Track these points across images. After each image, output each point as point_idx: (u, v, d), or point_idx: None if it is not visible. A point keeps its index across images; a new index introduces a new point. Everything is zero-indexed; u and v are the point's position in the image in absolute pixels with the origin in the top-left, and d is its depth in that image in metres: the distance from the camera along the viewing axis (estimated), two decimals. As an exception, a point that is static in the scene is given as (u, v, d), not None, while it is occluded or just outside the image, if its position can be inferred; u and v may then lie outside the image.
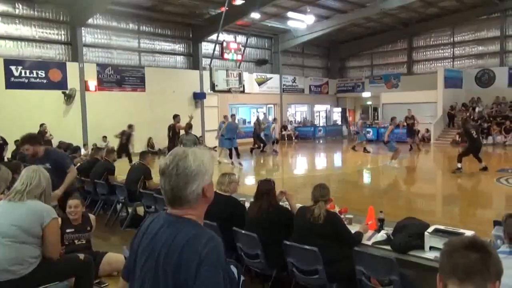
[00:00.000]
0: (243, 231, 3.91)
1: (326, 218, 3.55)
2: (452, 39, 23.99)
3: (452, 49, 24.09)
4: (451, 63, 23.98)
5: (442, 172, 13.60)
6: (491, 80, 21.96)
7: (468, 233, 3.26)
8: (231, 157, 13.30)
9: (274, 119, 20.04)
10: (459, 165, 11.21)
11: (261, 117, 21.16)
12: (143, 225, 1.71)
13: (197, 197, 1.58)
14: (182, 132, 11.53)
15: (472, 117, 20.29)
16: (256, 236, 3.74)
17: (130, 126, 13.29)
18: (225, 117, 14.87)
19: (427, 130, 20.92)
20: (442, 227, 3.42)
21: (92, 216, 4.67)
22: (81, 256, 3.53)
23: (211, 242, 1.50)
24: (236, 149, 13.59)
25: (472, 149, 11.32)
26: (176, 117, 12.30)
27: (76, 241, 4.30)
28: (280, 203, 4.38)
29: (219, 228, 3.69)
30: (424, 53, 25.37)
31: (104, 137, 15.93)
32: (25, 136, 4.97)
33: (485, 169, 11.14)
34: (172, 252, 1.50)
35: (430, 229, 3.38)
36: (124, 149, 12.68)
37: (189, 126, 10.78)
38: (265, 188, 4.10)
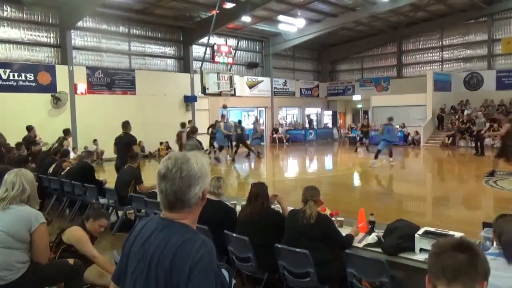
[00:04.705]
0: (234, 235, 3.90)
1: (318, 219, 3.56)
2: (440, 42, 24.26)
3: (441, 53, 24.36)
4: (440, 66, 24.25)
5: (431, 175, 13.73)
6: (479, 83, 22.23)
7: (458, 235, 3.29)
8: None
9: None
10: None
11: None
12: (135, 229, 1.70)
13: (198, 200, 1.59)
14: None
15: (461, 120, 20.54)
16: (247, 239, 3.74)
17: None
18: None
19: (417, 133, 21.10)
20: (432, 229, 3.44)
21: None
22: (71, 261, 3.48)
23: (204, 247, 1.51)
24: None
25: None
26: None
27: None
28: (272, 206, 4.37)
29: (210, 232, 3.68)
30: (414, 56, 25.62)
31: (95, 141, 15.79)
32: None
33: None
34: (165, 256, 1.50)
35: (420, 231, 3.40)
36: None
37: (192, 131, 10.28)
38: (258, 191, 4.10)
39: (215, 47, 21.65)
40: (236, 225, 4.10)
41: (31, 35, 15.88)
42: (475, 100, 21.54)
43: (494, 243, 2.73)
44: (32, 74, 15.28)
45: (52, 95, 15.61)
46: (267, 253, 3.65)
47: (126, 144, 8.32)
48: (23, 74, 15.04)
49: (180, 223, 1.57)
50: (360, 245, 3.70)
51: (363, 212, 4.14)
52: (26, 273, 3.04)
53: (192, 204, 1.58)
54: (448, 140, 19.81)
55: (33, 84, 15.30)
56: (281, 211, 4.33)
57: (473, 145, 17.89)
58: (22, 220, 3.03)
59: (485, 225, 3.38)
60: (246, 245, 3.77)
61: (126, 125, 8.79)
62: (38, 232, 3.05)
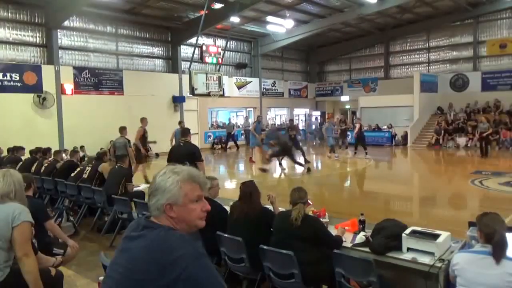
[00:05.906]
0: (226, 235, 3.88)
1: (306, 221, 3.55)
2: (427, 44, 24.54)
3: (427, 54, 24.65)
4: (427, 67, 24.53)
5: (418, 174, 13.87)
6: (465, 84, 22.55)
7: (444, 234, 3.33)
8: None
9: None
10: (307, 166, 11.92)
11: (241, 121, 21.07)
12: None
13: (159, 212, 1.63)
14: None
15: (447, 120, 20.84)
16: (241, 240, 3.72)
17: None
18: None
19: (406, 133, 21.25)
20: (419, 229, 3.46)
21: None
22: (53, 271, 3.42)
23: (180, 241, 1.55)
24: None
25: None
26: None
27: None
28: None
29: (199, 232, 3.66)
30: (401, 57, 25.87)
31: (82, 147, 15.18)
32: None
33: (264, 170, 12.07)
34: (136, 256, 1.53)
35: (408, 231, 3.42)
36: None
37: (120, 130, 10.22)
38: (251, 189, 4.08)
39: (204, 48, 21.61)
40: (228, 225, 4.07)
41: (17, 34, 15.64)
42: (461, 102, 21.78)
43: (479, 241, 2.77)
44: (18, 74, 15.03)
45: (38, 96, 15.37)
46: (258, 252, 3.64)
47: (187, 155, 6.53)
48: (8, 74, 14.80)
49: (158, 224, 1.62)
50: (349, 245, 3.72)
51: (355, 221, 4.12)
52: (7, 278, 2.98)
53: (153, 211, 1.64)
54: (435, 140, 20.03)
55: (19, 84, 15.05)
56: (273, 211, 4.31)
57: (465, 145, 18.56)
58: (4, 217, 2.97)
59: (471, 224, 3.42)
60: (239, 246, 3.76)
61: (186, 132, 7.35)
62: (19, 228, 2.96)
